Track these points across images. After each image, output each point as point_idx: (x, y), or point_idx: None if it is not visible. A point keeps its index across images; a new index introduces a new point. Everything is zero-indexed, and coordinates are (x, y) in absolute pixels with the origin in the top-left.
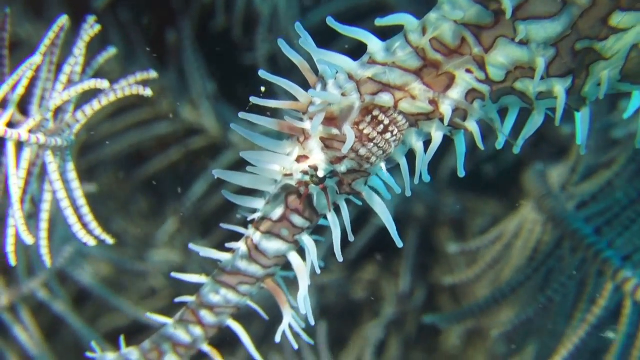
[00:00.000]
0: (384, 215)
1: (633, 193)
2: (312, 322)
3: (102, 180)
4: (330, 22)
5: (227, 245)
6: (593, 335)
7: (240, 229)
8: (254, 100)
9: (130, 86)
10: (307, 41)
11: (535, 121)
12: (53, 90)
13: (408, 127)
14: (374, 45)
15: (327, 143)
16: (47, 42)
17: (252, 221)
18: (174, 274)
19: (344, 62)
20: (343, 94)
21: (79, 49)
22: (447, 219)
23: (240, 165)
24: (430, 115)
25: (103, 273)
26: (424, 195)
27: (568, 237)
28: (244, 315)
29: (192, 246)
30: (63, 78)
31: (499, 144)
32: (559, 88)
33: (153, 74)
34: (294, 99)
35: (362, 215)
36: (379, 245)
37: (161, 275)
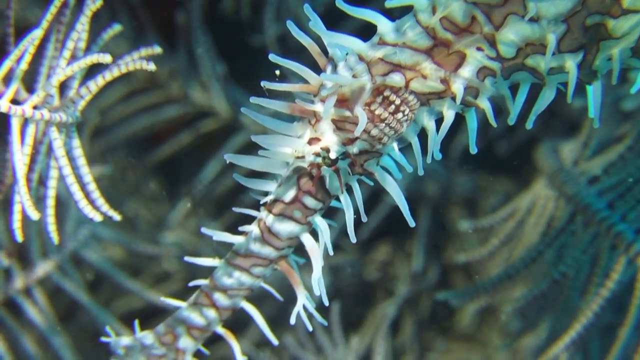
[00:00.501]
0: (397, 194)
1: None
2: (327, 303)
3: (114, 163)
4: (340, 3)
5: (240, 228)
6: (607, 309)
7: (253, 212)
8: (265, 84)
9: (134, 61)
10: (316, 23)
11: (547, 96)
12: (56, 66)
13: (419, 106)
14: (384, 25)
15: (339, 125)
16: (48, 16)
17: (265, 204)
18: (187, 258)
19: (354, 43)
20: (354, 76)
21: (82, 24)
22: (459, 197)
23: (252, 147)
24: (441, 94)
25: (117, 257)
26: (436, 174)
27: (580, 211)
28: (257, 297)
29: (204, 230)
30: (66, 53)
31: (511, 119)
32: (571, 63)
33: (157, 50)
34: (305, 81)
35: (375, 195)
36: (391, 225)
37: (174, 258)
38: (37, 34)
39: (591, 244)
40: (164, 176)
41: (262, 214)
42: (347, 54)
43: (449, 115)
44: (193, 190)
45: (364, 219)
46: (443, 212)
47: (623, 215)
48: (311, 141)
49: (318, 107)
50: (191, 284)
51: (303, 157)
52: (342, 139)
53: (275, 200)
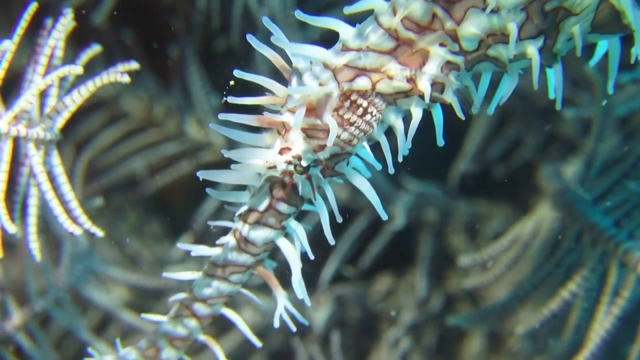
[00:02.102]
0: (368, 191)
1: None
2: (309, 304)
3: (113, 201)
4: (299, 14)
5: (217, 242)
6: (619, 327)
7: (228, 223)
8: (231, 100)
9: (108, 74)
10: (278, 36)
11: (509, 83)
12: (31, 81)
13: (386, 105)
14: (346, 32)
15: (309, 132)
16: (19, 30)
17: (239, 215)
18: (165, 274)
19: (318, 52)
20: (320, 84)
21: (54, 39)
22: (460, 223)
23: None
24: (408, 92)
25: (121, 298)
26: (435, 199)
27: (587, 230)
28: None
29: (180, 245)
30: (39, 69)
31: (475, 108)
32: (532, 49)
33: (134, 65)
34: (271, 93)
35: (375, 224)
36: (393, 254)
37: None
38: (6, 46)
39: (600, 262)
40: (164, 216)
41: (237, 224)
42: (311, 63)
43: (416, 113)
44: (193, 225)
45: (339, 219)
46: (444, 239)
47: (630, 232)
48: (282, 151)
49: (286, 117)
50: (171, 299)
51: (274, 167)
52: (312, 146)
53: (250, 210)
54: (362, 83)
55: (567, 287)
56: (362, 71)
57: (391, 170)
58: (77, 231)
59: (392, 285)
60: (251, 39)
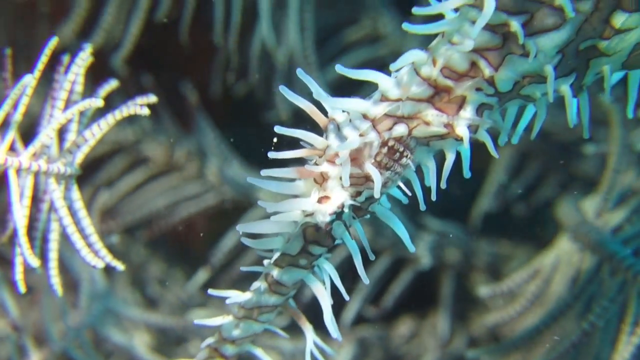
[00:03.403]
0: (397, 227)
1: None
2: (340, 339)
3: (137, 249)
4: (339, 68)
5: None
6: (638, 357)
7: (259, 268)
8: (272, 155)
9: (127, 107)
10: (316, 90)
11: (540, 116)
12: (52, 116)
13: (419, 146)
14: (386, 83)
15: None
16: (40, 66)
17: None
18: (197, 321)
19: (358, 104)
20: (361, 135)
21: (74, 74)
22: (482, 264)
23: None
24: (444, 136)
25: (143, 342)
26: (457, 240)
27: (606, 261)
28: None
29: (211, 291)
30: (59, 103)
31: (502, 141)
32: (565, 88)
33: (153, 98)
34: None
35: (396, 265)
36: (415, 297)
37: (199, 339)
38: (27, 81)
39: (619, 292)
40: (187, 261)
41: (269, 268)
42: (348, 113)
43: (450, 155)
44: (212, 260)
45: (371, 256)
46: (466, 280)
47: None
48: (321, 199)
49: (325, 167)
50: (202, 345)
51: (312, 213)
52: (350, 193)
53: (283, 254)
54: (401, 130)
55: (586, 317)
56: (400, 119)
57: (423, 207)
58: (99, 265)
59: (414, 327)
60: (284, 90)
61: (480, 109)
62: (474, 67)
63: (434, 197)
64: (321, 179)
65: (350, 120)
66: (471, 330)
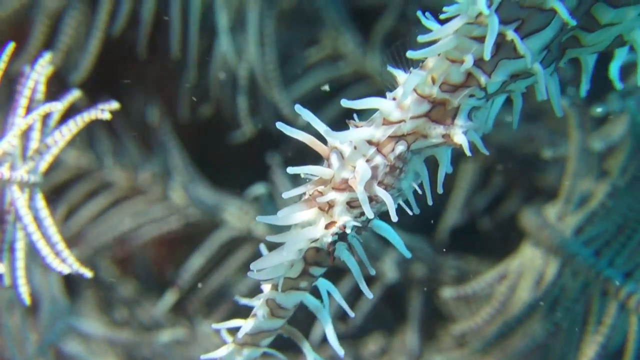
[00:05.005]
0: (393, 237)
1: (626, 211)
2: (342, 356)
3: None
4: (344, 102)
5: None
6: (603, 355)
7: (255, 302)
8: (286, 195)
9: (89, 113)
10: (324, 129)
11: (517, 105)
12: (12, 124)
13: (412, 156)
14: (387, 107)
15: (353, 204)
16: None
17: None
18: (203, 357)
19: (363, 133)
20: (367, 160)
21: (33, 80)
22: (448, 279)
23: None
24: (439, 145)
25: None
26: (423, 254)
27: (568, 263)
28: None
29: (215, 325)
30: (20, 111)
31: (488, 128)
32: (547, 78)
33: (114, 105)
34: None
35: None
36: (385, 312)
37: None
38: None
39: (582, 292)
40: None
41: (269, 293)
42: (350, 141)
43: (444, 161)
44: (179, 282)
45: (372, 271)
46: (435, 297)
47: (610, 261)
48: (327, 226)
49: (332, 195)
50: None
51: (317, 240)
52: (354, 215)
53: (284, 279)
54: (402, 149)
55: (550, 319)
56: (401, 137)
57: (416, 211)
58: (66, 271)
59: (384, 344)
60: (282, 126)
61: (470, 113)
62: (470, 78)
63: (430, 202)
64: (327, 207)
65: (355, 148)
66: (441, 346)
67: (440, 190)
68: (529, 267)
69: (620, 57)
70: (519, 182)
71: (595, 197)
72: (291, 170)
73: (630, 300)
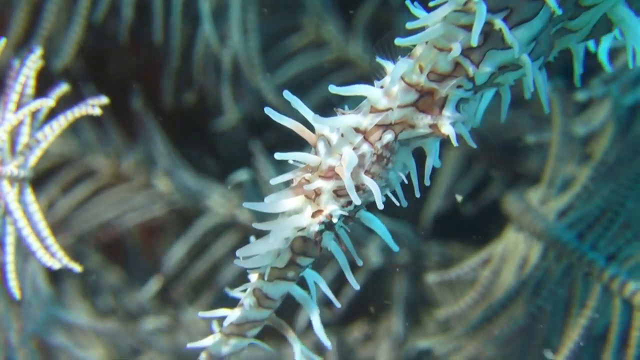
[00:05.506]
0: (380, 229)
1: (609, 194)
2: (330, 348)
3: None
4: (332, 88)
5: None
6: (588, 337)
7: (243, 290)
8: (272, 181)
9: (79, 108)
10: (304, 110)
11: (505, 99)
12: (3, 119)
13: (400, 147)
14: (375, 94)
15: (339, 193)
16: None
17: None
18: (189, 345)
19: (350, 120)
20: (354, 148)
21: (24, 76)
22: (432, 265)
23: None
24: (427, 135)
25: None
26: (407, 240)
27: (552, 247)
28: None
29: (202, 314)
30: (11, 106)
31: (476, 122)
32: (535, 71)
33: (104, 100)
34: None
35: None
36: (370, 298)
37: (154, 351)
38: None
39: (565, 275)
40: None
41: (257, 283)
42: (337, 129)
43: (432, 153)
44: (163, 269)
45: (359, 262)
46: (419, 284)
47: (593, 244)
48: (314, 214)
49: (318, 183)
50: None
51: (304, 228)
52: (341, 204)
53: (271, 268)
54: (389, 137)
55: (534, 302)
56: (389, 126)
57: (404, 204)
58: (55, 265)
59: (369, 330)
60: (270, 111)
61: (458, 104)
62: (458, 67)
63: (417, 194)
64: (313, 195)
65: (342, 135)
66: (426, 331)
67: (427, 182)
68: (512, 252)
69: (607, 39)
70: (502, 167)
71: (578, 181)
72: (278, 156)
73: (614, 282)
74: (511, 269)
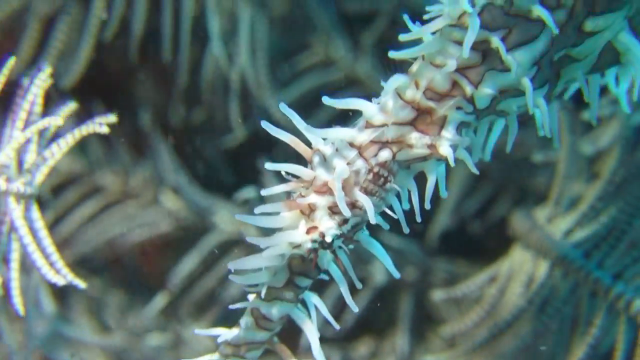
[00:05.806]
0: (381, 254)
1: (616, 213)
2: None
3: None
4: (325, 100)
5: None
6: (593, 356)
7: (245, 304)
8: (264, 192)
9: (87, 126)
10: (299, 123)
11: (512, 129)
12: (11, 136)
13: (400, 170)
14: (370, 110)
15: (335, 209)
16: None
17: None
18: None
19: (344, 133)
20: (348, 163)
21: (32, 94)
22: (439, 282)
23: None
24: (426, 157)
25: None
26: (414, 258)
27: (558, 265)
28: None
29: (198, 331)
30: (19, 124)
31: (476, 157)
32: (540, 101)
33: (112, 118)
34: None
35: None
36: (375, 315)
37: None
38: None
39: (571, 294)
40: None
41: (255, 302)
42: (332, 143)
43: (432, 175)
44: (169, 285)
45: (358, 285)
46: (425, 301)
47: (599, 262)
48: (309, 230)
49: (313, 198)
50: None
51: (299, 245)
52: (337, 222)
53: (269, 288)
54: (385, 155)
55: (539, 319)
56: (385, 144)
57: (406, 231)
58: (61, 282)
59: (374, 347)
60: (267, 125)
61: (459, 128)
62: (455, 87)
63: (418, 219)
64: (308, 210)
65: (337, 150)
66: (431, 347)
67: (427, 206)
68: (518, 270)
69: (626, 80)
70: (509, 185)
71: (585, 199)
72: (269, 166)
73: (620, 301)
74: (517, 287)
